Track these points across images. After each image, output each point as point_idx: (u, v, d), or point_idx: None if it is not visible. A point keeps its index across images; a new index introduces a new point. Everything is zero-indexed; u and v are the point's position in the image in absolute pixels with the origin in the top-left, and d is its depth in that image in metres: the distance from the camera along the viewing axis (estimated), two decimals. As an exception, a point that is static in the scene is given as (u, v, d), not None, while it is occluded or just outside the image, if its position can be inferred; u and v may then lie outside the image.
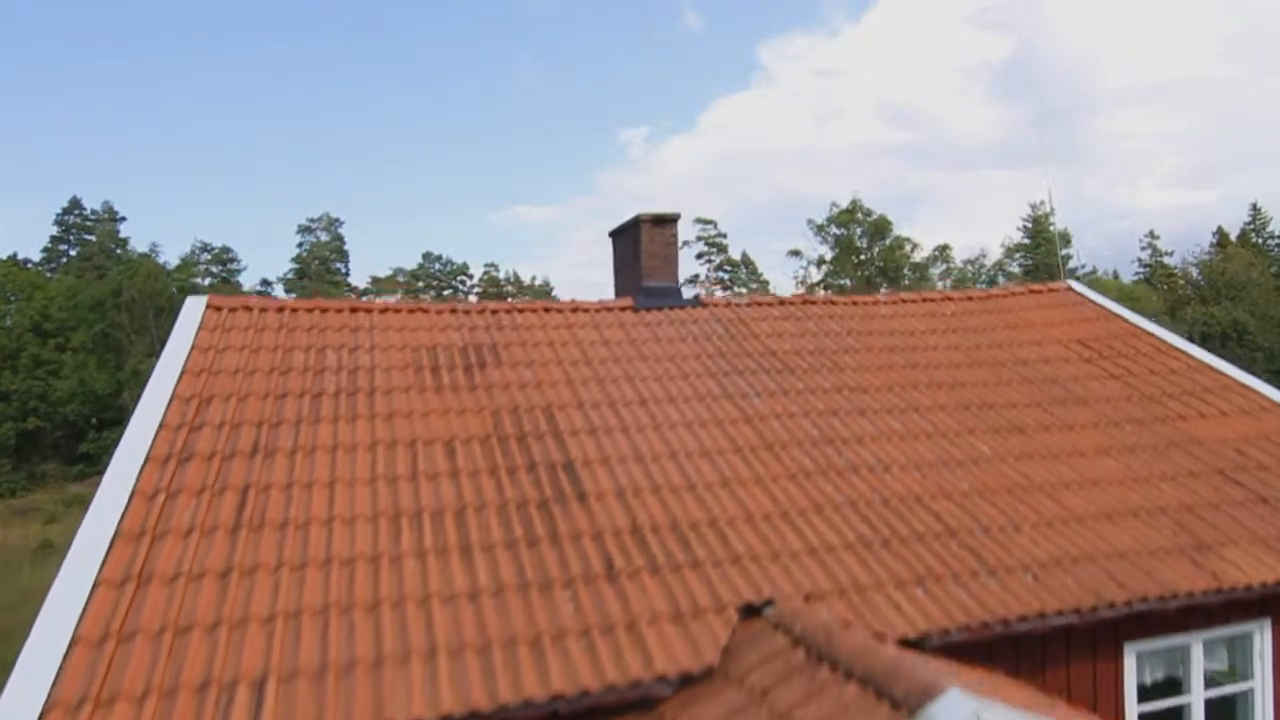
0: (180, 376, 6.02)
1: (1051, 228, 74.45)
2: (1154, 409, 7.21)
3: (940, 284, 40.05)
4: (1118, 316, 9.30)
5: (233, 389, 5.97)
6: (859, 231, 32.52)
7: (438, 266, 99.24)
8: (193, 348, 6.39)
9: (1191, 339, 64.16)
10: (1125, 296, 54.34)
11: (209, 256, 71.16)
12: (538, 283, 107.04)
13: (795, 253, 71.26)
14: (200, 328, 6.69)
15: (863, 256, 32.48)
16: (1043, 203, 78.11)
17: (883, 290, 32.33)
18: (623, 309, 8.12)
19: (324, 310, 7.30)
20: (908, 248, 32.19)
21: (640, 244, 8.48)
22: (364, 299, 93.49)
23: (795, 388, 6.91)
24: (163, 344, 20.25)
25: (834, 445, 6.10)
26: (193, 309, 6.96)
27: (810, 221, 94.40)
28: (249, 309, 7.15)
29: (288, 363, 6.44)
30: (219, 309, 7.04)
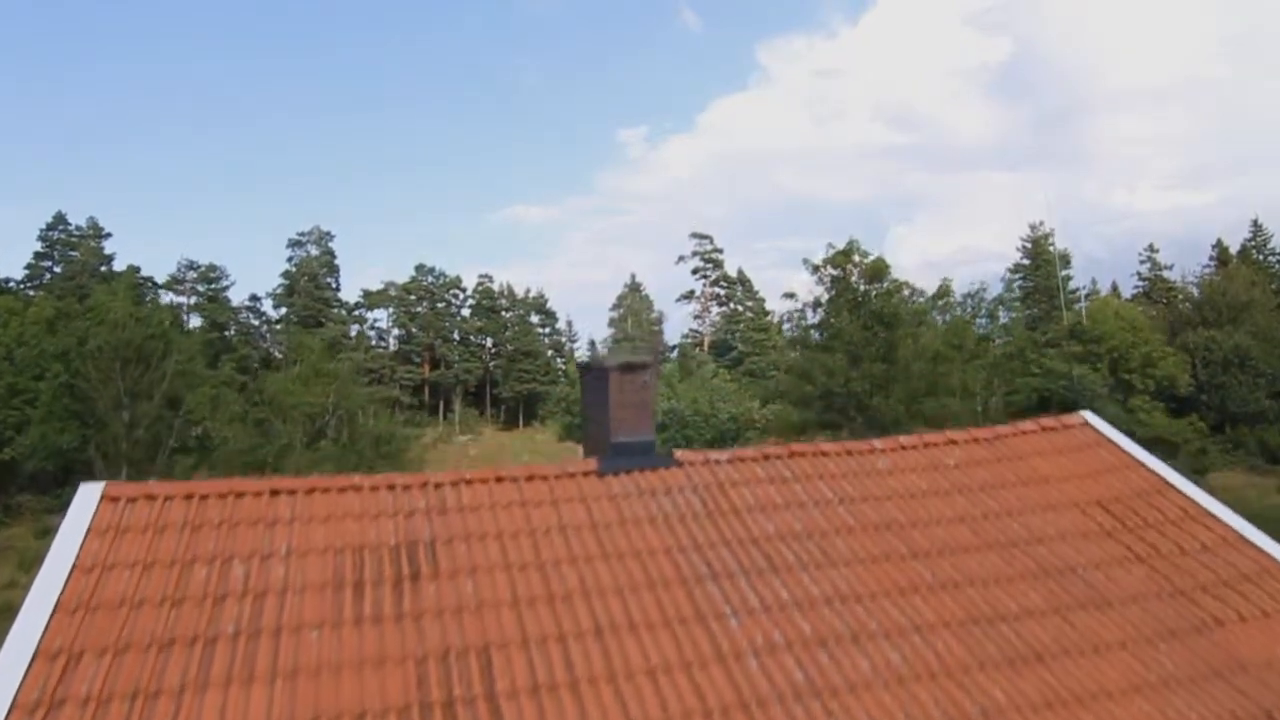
0: (52, 615, 5.10)
1: (1051, 248, 73.88)
2: (1188, 610, 6.33)
3: (940, 316, 39.19)
4: (1139, 464, 8.42)
5: (111, 636, 5.03)
6: (855, 273, 31.61)
7: (430, 279, 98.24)
8: (74, 567, 5.47)
9: (1194, 365, 63.30)
10: (1127, 325, 53.40)
11: (195, 275, 70.13)
12: (533, 294, 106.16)
13: (790, 295, 69.85)
14: (89, 532, 5.76)
15: (859, 297, 31.56)
16: (1042, 223, 77.59)
17: (880, 331, 31.47)
18: (586, 474, 7.21)
19: (239, 496, 6.36)
20: (905, 291, 31.25)
21: (609, 393, 7.57)
22: (355, 311, 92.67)
23: (780, 599, 5.99)
24: (130, 396, 19.15)
25: (821, 699, 5.19)
26: (84, 503, 6.02)
27: (806, 261, 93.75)
28: (151, 499, 6.20)
29: (184, 585, 5.50)
30: (115, 500, 6.11)
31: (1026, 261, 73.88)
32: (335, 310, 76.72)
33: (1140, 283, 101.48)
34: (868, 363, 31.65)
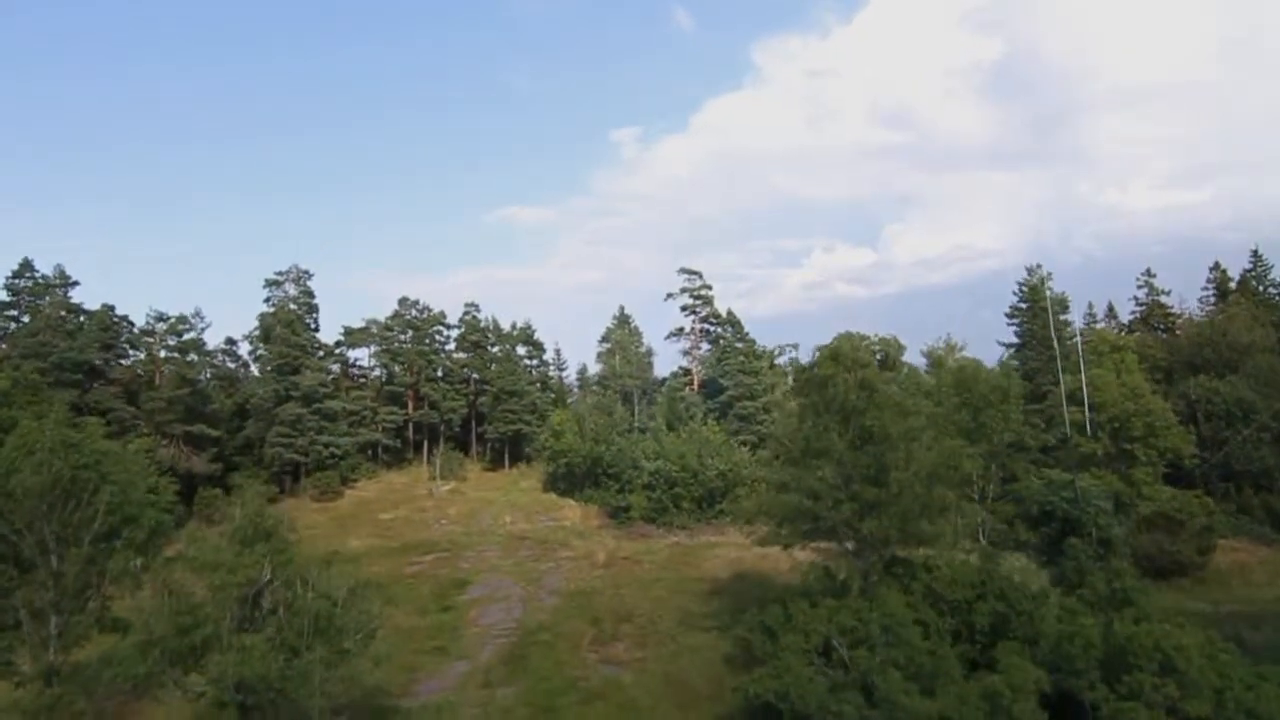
0: None
1: (1049, 292, 71.75)
2: None
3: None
4: None
5: None
6: (845, 379, 29.45)
7: (414, 313, 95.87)
8: None
9: (1195, 418, 61.20)
10: (1129, 393, 51.29)
11: (164, 326, 67.73)
12: (519, 325, 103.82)
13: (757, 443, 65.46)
14: None
15: (848, 412, 29.41)
16: (1039, 266, 75.52)
17: (870, 448, 29.35)
18: None
19: None
20: (904, 415, 29.12)
21: None
22: (337, 350, 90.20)
23: None
24: (57, 541, 16.92)
25: None
26: None
27: (792, 363, 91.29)
28: None
29: None
30: None
31: (1024, 306, 71.83)
32: (312, 358, 74.21)
33: (1138, 307, 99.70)
34: (859, 484, 29.56)
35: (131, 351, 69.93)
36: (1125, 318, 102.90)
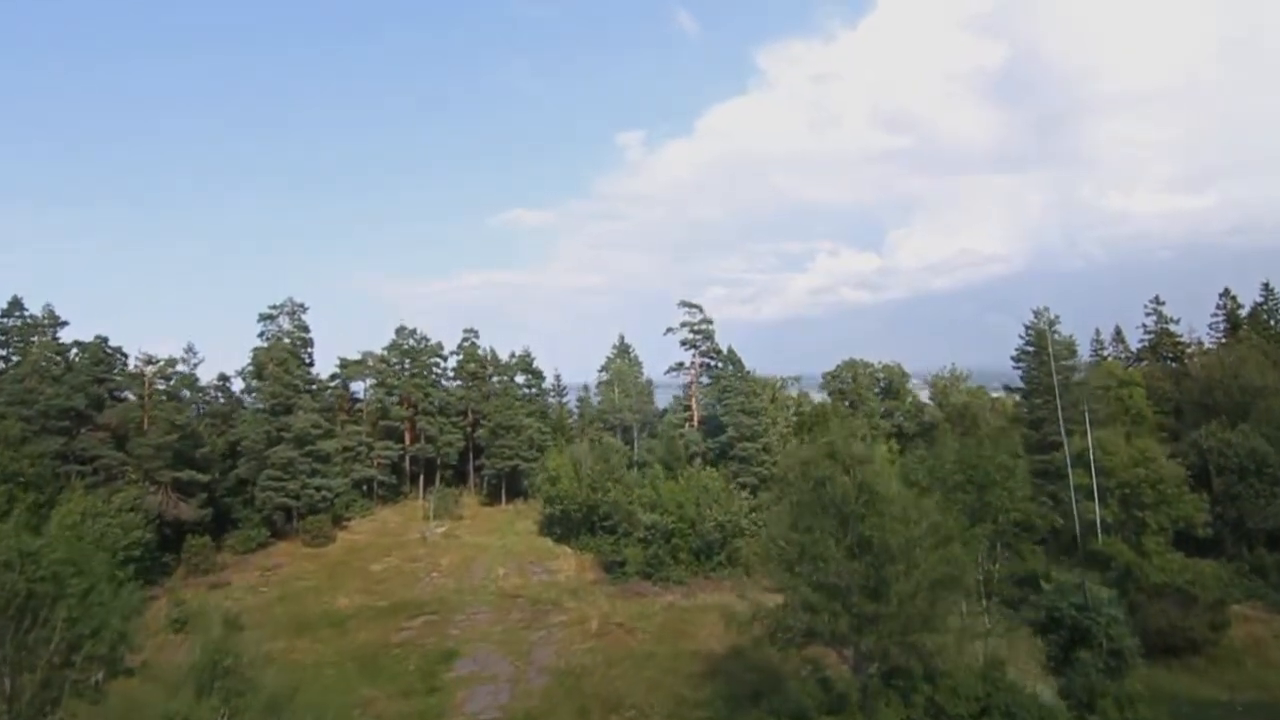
0: None
1: (1055, 335, 70.12)
2: None
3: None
4: None
5: None
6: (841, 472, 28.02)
7: (411, 342, 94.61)
8: None
9: (1206, 470, 59.47)
10: (1139, 457, 49.54)
11: (153, 370, 66.49)
12: (518, 352, 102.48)
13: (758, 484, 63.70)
14: None
15: (846, 516, 28.01)
16: (1046, 308, 73.84)
17: (868, 558, 27.90)
18: None
19: None
20: (906, 523, 27.75)
21: None
22: (333, 383, 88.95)
23: None
24: (10, 665, 15.38)
25: None
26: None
27: (795, 399, 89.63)
28: None
29: None
30: None
31: (1030, 349, 70.16)
32: (305, 395, 72.89)
33: (1146, 335, 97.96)
34: (856, 596, 28.11)
35: (122, 393, 68.64)
36: (1134, 343, 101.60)
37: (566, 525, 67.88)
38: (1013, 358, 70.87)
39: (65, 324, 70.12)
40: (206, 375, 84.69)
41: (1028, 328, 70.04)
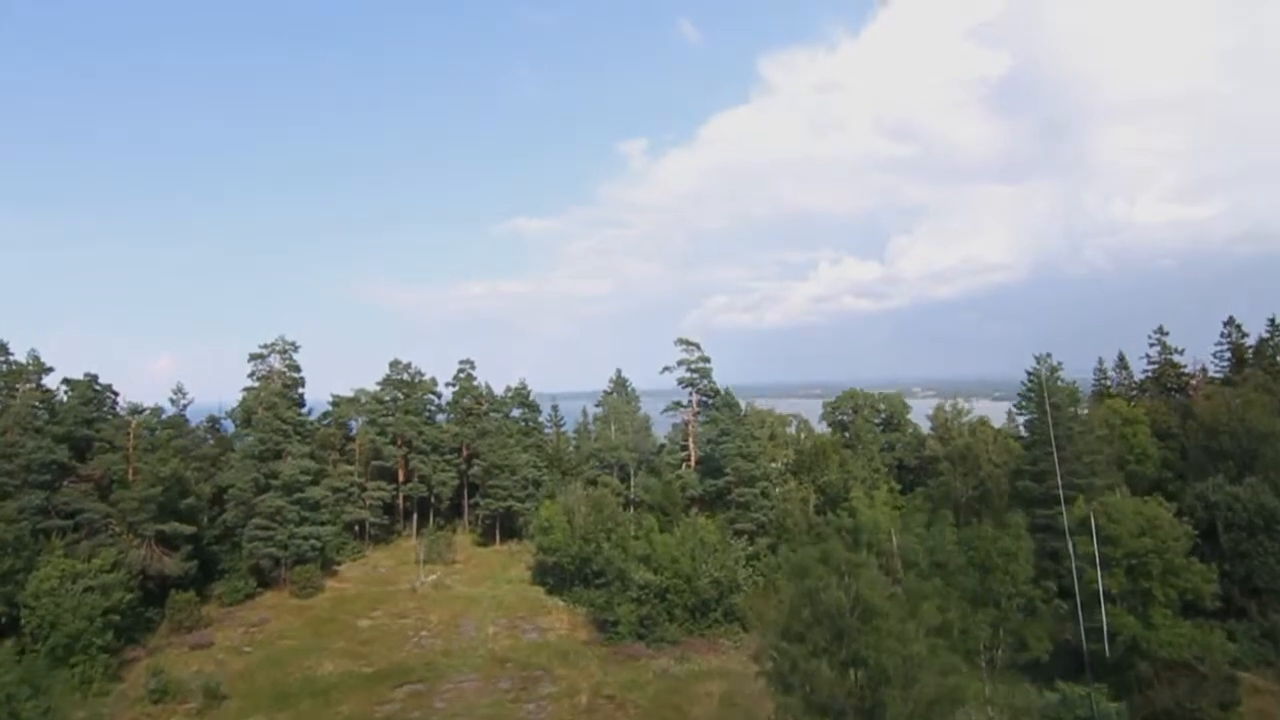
0: None
1: (1059, 380, 68.72)
2: None
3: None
4: None
5: None
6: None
7: (406, 375, 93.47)
8: None
9: (1213, 525, 57.86)
10: (1146, 524, 47.91)
11: (137, 421, 65.27)
12: (514, 385, 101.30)
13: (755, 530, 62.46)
14: None
15: (841, 625, 26.67)
16: (1049, 355, 72.46)
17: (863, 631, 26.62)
18: None
19: None
20: (904, 642, 26.45)
21: None
22: (326, 422, 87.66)
23: None
24: None
25: None
26: None
27: (793, 439, 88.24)
28: None
29: None
30: None
31: (1032, 396, 68.72)
32: (295, 440, 71.55)
33: (1149, 365, 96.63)
34: (851, 717, 26.74)
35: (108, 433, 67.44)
36: (1137, 371, 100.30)
37: (559, 575, 66.58)
38: (1015, 405, 69.47)
39: (50, 370, 68.98)
40: (203, 396, 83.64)
41: (1029, 373, 68.65)
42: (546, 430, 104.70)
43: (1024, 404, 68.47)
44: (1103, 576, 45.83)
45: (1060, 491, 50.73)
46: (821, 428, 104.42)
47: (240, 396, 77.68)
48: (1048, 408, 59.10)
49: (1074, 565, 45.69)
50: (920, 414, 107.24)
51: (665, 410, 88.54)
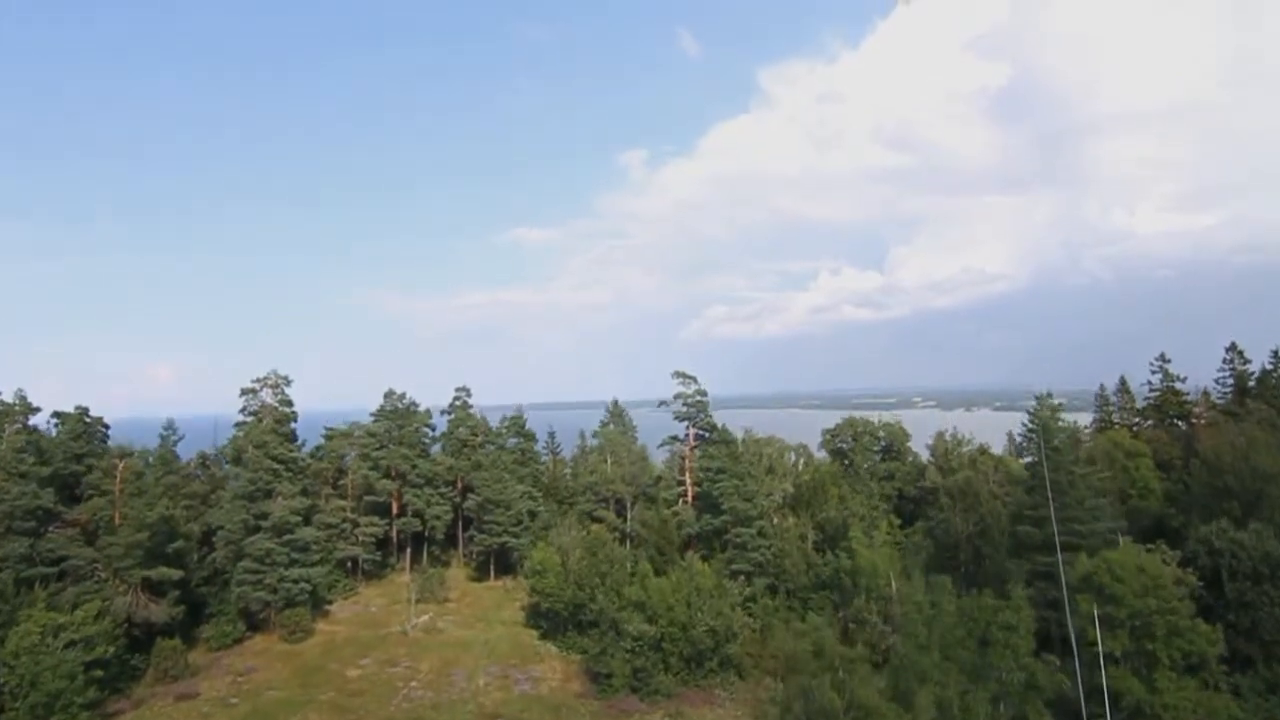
0: None
1: (1058, 422, 67.90)
2: None
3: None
4: None
5: None
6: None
7: (401, 405, 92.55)
8: None
9: (1218, 573, 56.79)
10: (1150, 583, 46.87)
11: (124, 465, 64.29)
12: (509, 416, 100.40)
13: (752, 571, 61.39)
14: None
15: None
16: (1049, 394, 71.55)
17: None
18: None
19: None
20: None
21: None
22: (319, 455, 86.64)
23: None
24: None
25: None
26: None
27: (792, 473, 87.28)
28: None
29: None
30: None
31: (1034, 436, 67.85)
32: (285, 481, 70.51)
33: (1151, 393, 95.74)
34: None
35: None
36: (1139, 395, 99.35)
37: (553, 620, 65.55)
38: (1018, 448, 68.54)
39: (37, 410, 68.08)
40: (203, 403, 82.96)
41: (1030, 413, 67.78)
42: (544, 457, 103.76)
43: (1026, 447, 67.52)
44: (1104, 638, 44.76)
45: (1060, 542, 49.61)
46: (821, 454, 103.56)
47: (240, 396, 76.74)
48: (1044, 457, 58.02)
49: (1071, 625, 44.62)
50: (919, 424, 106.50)
51: (661, 445, 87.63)
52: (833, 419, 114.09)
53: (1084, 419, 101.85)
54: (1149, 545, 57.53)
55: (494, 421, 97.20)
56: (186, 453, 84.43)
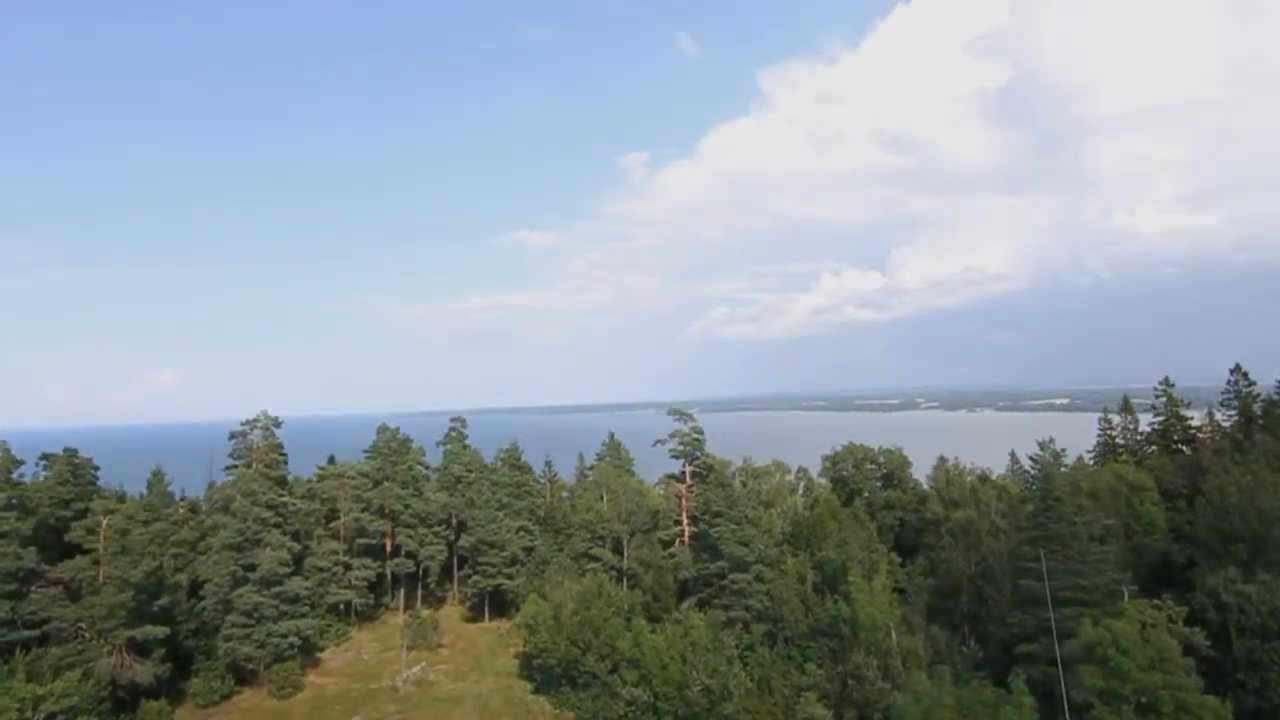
0: None
1: (1063, 466, 66.51)
2: None
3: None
4: None
5: None
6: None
7: (393, 444, 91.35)
8: None
9: (1225, 628, 55.33)
10: (1155, 655, 45.52)
11: (108, 523, 63.13)
12: (503, 449, 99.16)
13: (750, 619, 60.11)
14: None
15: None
16: (1051, 440, 70.12)
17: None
18: None
19: None
20: None
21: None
22: (310, 499, 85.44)
23: None
24: None
25: None
26: None
27: (790, 512, 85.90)
28: None
29: None
30: None
31: (1038, 469, 66.42)
32: (274, 530, 69.34)
33: (1155, 419, 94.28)
34: None
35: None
36: (1145, 426, 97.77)
37: (547, 673, 64.34)
38: (1022, 477, 67.14)
39: (21, 463, 66.97)
40: (203, 409, 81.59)
41: (1033, 459, 66.39)
42: (541, 482, 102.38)
43: (1029, 495, 66.14)
44: (1107, 714, 43.45)
45: (1062, 597, 48.27)
46: (821, 480, 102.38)
47: (229, 440, 75.80)
48: (1046, 507, 56.63)
49: (1066, 702, 43.34)
50: (923, 426, 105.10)
51: (657, 483, 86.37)
52: (836, 421, 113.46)
53: (1086, 419, 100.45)
54: (1155, 601, 56.15)
55: (494, 425, 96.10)
56: (186, 462, 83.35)
